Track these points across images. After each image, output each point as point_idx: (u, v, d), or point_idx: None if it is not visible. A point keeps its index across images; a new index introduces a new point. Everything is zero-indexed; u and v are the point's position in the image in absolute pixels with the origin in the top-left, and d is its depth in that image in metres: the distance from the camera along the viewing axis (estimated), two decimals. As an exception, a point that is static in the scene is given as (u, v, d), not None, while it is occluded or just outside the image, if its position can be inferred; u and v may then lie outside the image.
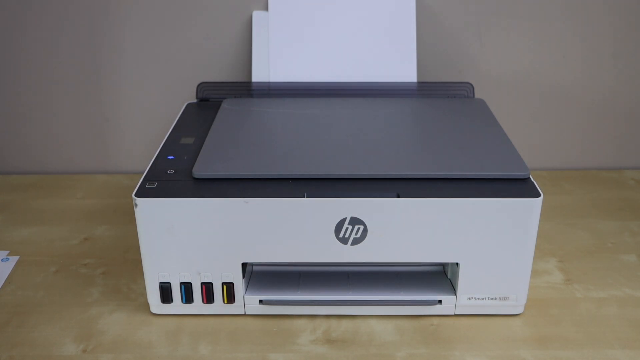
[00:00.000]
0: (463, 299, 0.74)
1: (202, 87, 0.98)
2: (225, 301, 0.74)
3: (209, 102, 0.97)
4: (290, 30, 0.98)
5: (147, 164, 0.76)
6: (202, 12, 1.02)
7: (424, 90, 0.96)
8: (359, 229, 0.69)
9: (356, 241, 0.70)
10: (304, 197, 0.68)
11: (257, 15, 0.99)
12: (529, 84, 1.08)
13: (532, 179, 0.71)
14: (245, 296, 0.74)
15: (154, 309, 0.76)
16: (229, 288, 0.73)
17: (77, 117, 1.10)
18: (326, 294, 0.75)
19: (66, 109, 1.09)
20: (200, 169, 0.72)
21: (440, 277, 0.78)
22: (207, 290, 0.73)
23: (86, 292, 0.80)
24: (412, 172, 0.71)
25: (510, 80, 1.07)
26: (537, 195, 0.68)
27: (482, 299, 0.74)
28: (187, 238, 0.70)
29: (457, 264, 0.72)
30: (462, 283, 0.73)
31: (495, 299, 0.74)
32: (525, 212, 0.68)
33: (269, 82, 0.97)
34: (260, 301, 0.75)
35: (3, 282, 0.82)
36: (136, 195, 0.69)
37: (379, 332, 0.73)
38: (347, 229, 0.69)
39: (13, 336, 0.73)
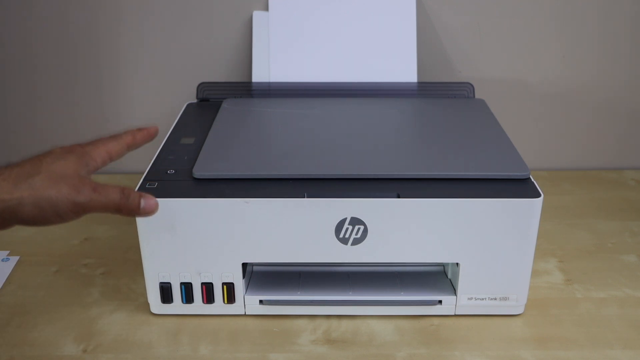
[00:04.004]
0: (463, 299, 0.74)
1: (202, 87, 0.98)
2: (226, 301, 0.74)
3: (209, 102, 0.97)
4: (290, 31, 0.98)
5: (147, 164, 0.76)
6: (202, 12, 1.02)
7: (424, 90, 0.96)
8: (359, 229, 0.69)
9: (356, 241, 0.70)
10: (304, 197, 0.68)
11: (257, 15, 0.99)
12: (529, 84, 1.08)
13: (533, 179, 0.71)
14: (245, 296, 0.74)
15: (154, 309, 0.76)
16: (229, 288, 0.73)
17: (77, 117, 1.10)
18: (326, 294, 0.75)
19: (66, 109, 1.09)
20: (201, 169, 0.72)
21: (441, 277, 0.78)
22: (207, 290, 0.73)
23: (86, 292, 0.80)
24: (412, 172, 0.71)
25: (510, 80, 1.07)
26: (538, 195, 0.68)
27: (482, 299, 0.74)
28: (187, 238, 0.70)
29: (457, 264, 0.72)
30: (462, 283, 0.73)
31: (495, 299, 0.74)
32: (525, 212, 0.68)
33: (269, 82, 0.97)
34: (261, 301, 0.75)
35: (3, 282, 0.82)
36: (136, 195, 0.69)
37: (379, 332, 0.73)
38: (347, 229, 0.69)
39: (13, 336, 0.73)
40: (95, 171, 0.58)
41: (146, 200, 0.58)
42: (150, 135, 0.63)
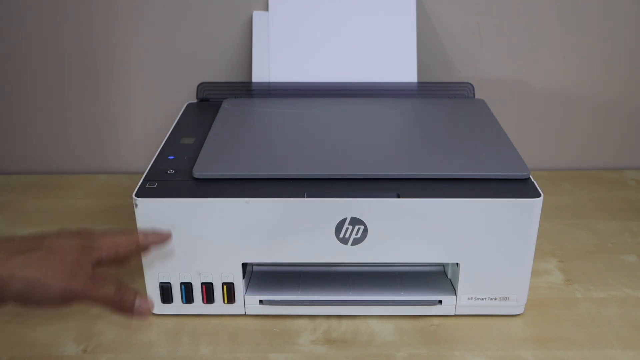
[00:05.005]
0: (463, 299, 0.74)
1: (202, 87, 0.98)
2: (226, 301, 0.74)
3: (209, 102, 0.97)
4: (290, 31, 0.98)
5: (147, 164, 0.76)
6: (202, 12, 1.02)
7: (424, 90, 0.96)
8: (359, 229, 0.69)
9: (356, 241, 0.70)
10: (304, 197, 0.68)
11: (257, 15, 0.99)
12: (529, 84, 1.08)
13: (533, 179, 0.71)
14: (245, 296, 0.74)
15: (154, 309, 0.76)
16: (229, 288, 0.73)
17: (77, 118, 1.10)
18: (326, 294, 0.75)
19: (67, 109, 1.09)
20: (201, 169, 0.72)
21: (441, 277, 0.78)
22: (207, 290, 0.73)
23: (86, 292, 0.80)
24: (412, 172, 0.71)
25: (510, 81, 1.07)
26: (538, 195, 0.68)
27: (482, 299, 0.74)
28: (187, 238, 0.70)
29: (457, 264, 0.72)
30: (462, 283, 0.73)
31: (495, 299, 0.74)
32: (525, 212, 0.68)
33: (269, 82, 0.97)
34: (261, 301, 0.75)
35: (3, 282, 0.81)
36: (136, 195, 0.69)
37: (379, 332, 0.73)
38: (347, 229, 0.69)
39: (13, 336, 0.73)
40: (98, 263, 0.54)
41: (142, 301, 0.53)
42: (163, 238, 0.58)
